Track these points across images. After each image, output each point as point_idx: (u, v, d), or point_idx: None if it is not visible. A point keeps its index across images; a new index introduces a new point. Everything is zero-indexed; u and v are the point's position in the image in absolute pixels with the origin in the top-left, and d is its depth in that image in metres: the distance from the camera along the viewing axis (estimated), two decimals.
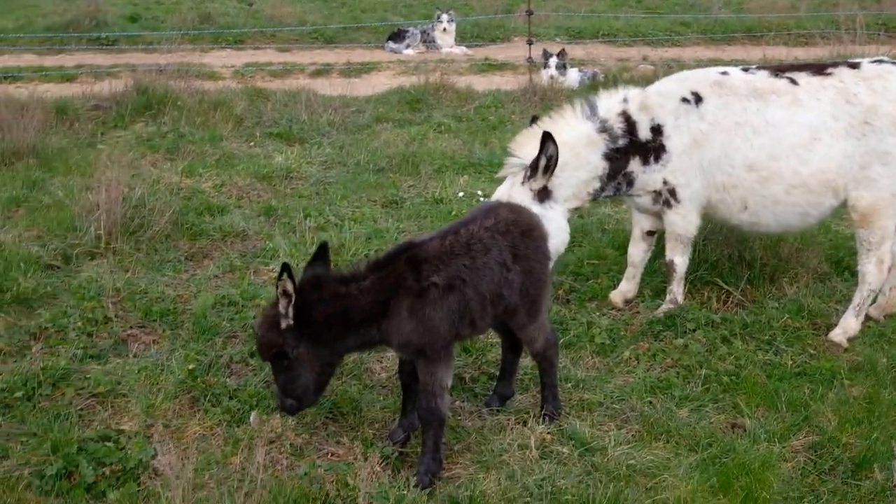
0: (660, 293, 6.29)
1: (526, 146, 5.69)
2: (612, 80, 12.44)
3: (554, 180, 5.64)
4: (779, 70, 5.85)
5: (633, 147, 5.78)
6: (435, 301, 4.20)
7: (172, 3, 21.56)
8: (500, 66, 15.93)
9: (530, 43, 14.95)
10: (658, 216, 6.03)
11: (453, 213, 7.71)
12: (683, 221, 5.88)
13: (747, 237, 6.47)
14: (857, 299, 5.87)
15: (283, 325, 4.21)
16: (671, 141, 5.73)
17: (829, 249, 7.03)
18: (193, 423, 4.72)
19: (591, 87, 12.57)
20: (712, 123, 5.68)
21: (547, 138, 5.47)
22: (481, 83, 14.17)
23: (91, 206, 7.00)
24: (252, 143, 10.24)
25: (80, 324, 5.66)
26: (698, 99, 5.73)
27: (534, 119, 5.99)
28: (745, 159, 5.65)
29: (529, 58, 14.77)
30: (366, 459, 4.18)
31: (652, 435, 4.73)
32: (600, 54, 16.80)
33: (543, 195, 5.64)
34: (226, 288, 6.29)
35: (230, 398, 4.91)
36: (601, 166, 5.76)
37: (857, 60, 5.84)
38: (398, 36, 17.70)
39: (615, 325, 5.93)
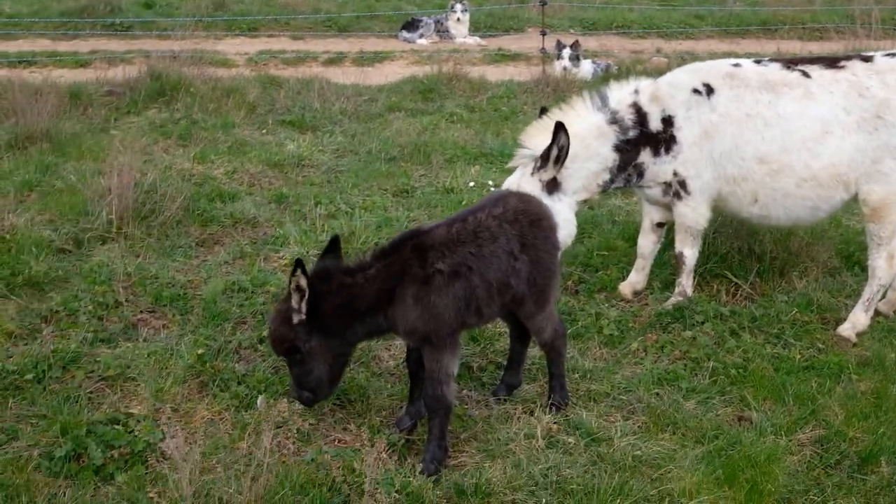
0: (669, 285, 6.29)
1: (536, 137, 5.69)
2: (625, 73, 12.42)
3: (563, 172, 5.64)
4: (791, 63, 5.84)
5: (644, 138, 5.77)
6: (440, 288, 4.21)
7: None
8: (513, 57, 15.90)
9: (543, 34, 14.94)
10: (668, 208, 6.03)
11: (464, 202, 7.71)
12: (693, 213, 5.87)
13: (757, 230, 6.47)
14: (866, 294, 5.86)
15: (296, 319, 4.26)
16: (682, 132, 5.73)
17: (840, 244, 7.02)
18: (202, 408, 4.74)
19: (604, 79, 12.53)
20: (723, 115, 5.67)
21: (560, 128, 5.47)
22: (494, 74, 14.15)
23: (103, 191, 7.03)
24: (264, 131, 10.26)
25: (90, 308, 5.70)
26: (710, 90, 5.72)
27: (543, 110, 5.99)
28: (755, 152, 5.64)
29: (543, 49, 14.75)
30: (372, 445, 4.19)
31: (658, 426, 4.74)
32: (614, 46, 16.79)
33: (553, 186, 5.65)
34: (236, 274, 6.32)
35: (238, 383, 4.94)
36: (611, 158, 5.76)
37: (870, 54, 5.82)
38: (412, 25, 17.67)
39: (624, 316, 5.94)
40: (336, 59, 15.34)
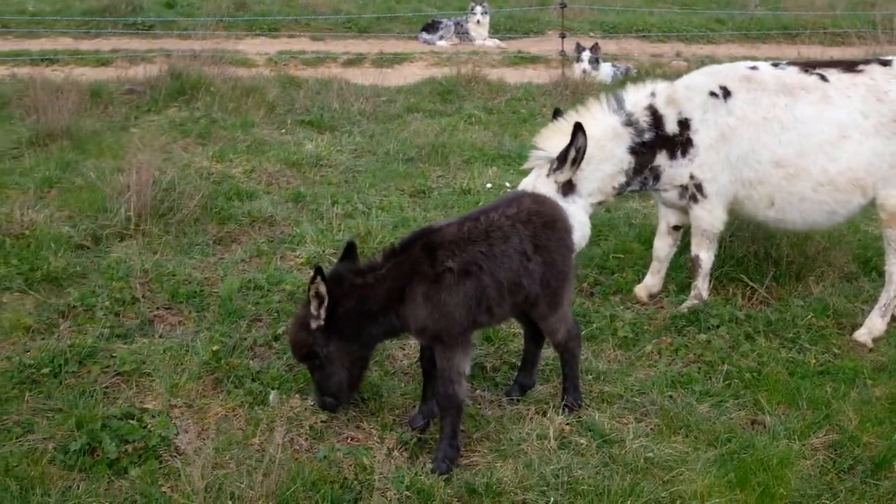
0: (685, 288, 6.28)
1: (551, 139, 5.70)
2: (644, 76, 12.41)
3: (578, 173, 5.64)
4: (809, 66, 5.82)
5: (660, 141, 5.76)
6: (450, 286, 4.23)
7: None
8: (532, 60, 15.89)
9: (563, 36, 14.92)
10: (684, 211, 6.02)
11: (480, 203, 7.69)
12: (710, 216, 5.86)
13: (774, 234, 6.44)
14: (883, 300, 5.83)
15: (314, 325, 4.32)
16: (698, 135, 5.72)
17: (857, 249, 6.98)
18: (216, 404, 4.77)
19: (623, 83, 12.50)
20: (740, 118, 5.66)
21: (578, 130, 5.47)
22: (513, 76, 14.15)
23: (122, 188, 7.08)
24: (283, 131, 10.30)
25: (107, 303, 5.74)
26: (727, 93, 5.71)
27: (556, 112, 5.99)
28: (772, 155, 5.62)
29: (562, 51, 14.74)
30: (382, 442, 4.20)
31: (671, 429, 4.73)
32: (634, 50, 16.76)
33: (567, 188, 5.65)
34: (252, 272, 6.35)
35: (253, 380, 4.97)
36: (626, 160, 5.75)
37: (888, 58, 5.79)
38: (432, 27, 17.68)
39: (638, 318, 5.93)
40: (355, 60, 15.37)
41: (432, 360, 4.44)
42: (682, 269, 6.49)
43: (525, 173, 5.95)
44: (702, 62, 13.37)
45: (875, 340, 5.75)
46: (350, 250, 4.48)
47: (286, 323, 5.55)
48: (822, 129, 5.57)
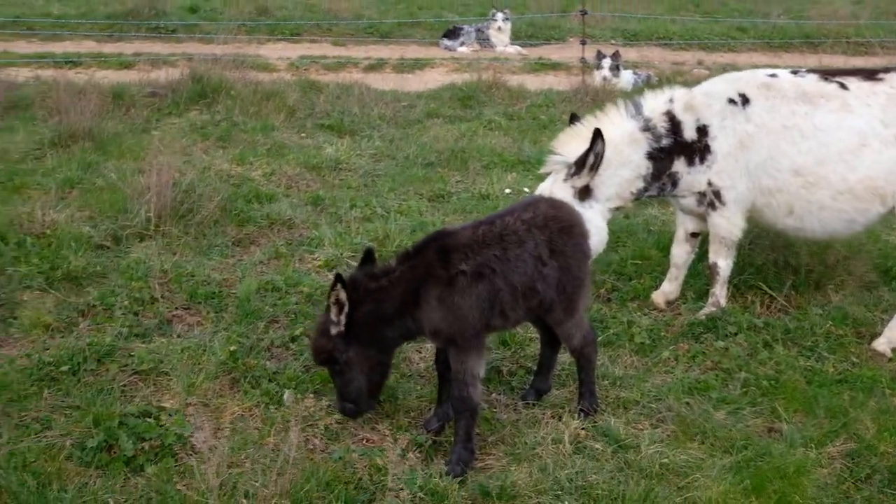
0: (703, 295, 6.25)
1: (569, 144, 5.70)
2: (665, 84, 12.37)
3: (596, 178, 5.64)
4: (829, 74, 5.79)
5: (678, 147, 5.75)
6: (463, 289, 4.24)
7: None
8: (553, 66, 15.89)
9: (583, 43, 14.92)
10: (702, 218, 6.00)
11: (499, 209, 7.70)
12: (728, 224, 5.84)
13: (794, 243, 6.41)
14: None
15: (334, 331, 4.35)
16: (717, 142, 5.70)
17: (877, 258, 6.93)
18: (232, 404, 4.80)
19: (643, 90, 12.51)
20: (759, 126, 5.64)
21: (597, 135, 5.47)
22: (534, 82, 14.15)
23: (142, 189, 7.13)
24: (303, 134, 10.34)
25: (127, 303, 5.78)
26: (745, 100, 5.70)
27: (573, 117, 6.00)
28: (791, 163, 5.60)
29: (583, 58, 14.73)
30: (395, 442, 4.21)
31: (687, 435, 4.71)
32: (655, 57, 16.74)
33: (584, 193, 5.64)
34: (270, 274, 6.38)
35: (269, 380, 4.99)
36: (644, 165, 5.75)
37: None
38: (453, 33, 17.70)
39: (656, 325, 5.92)
40: (376, 66, 15.42)
41: (447, 363, 4.44)
42: (700, 276, 6.47)
43: (543, 178, 5.95)
44: (723, 70, 13.26)
45: (894, 350, 5.71)
46: (368, 257, 4.51)
47: (303, 324, 5.60)
48: (842, 138, 5.55)
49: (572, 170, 5.62)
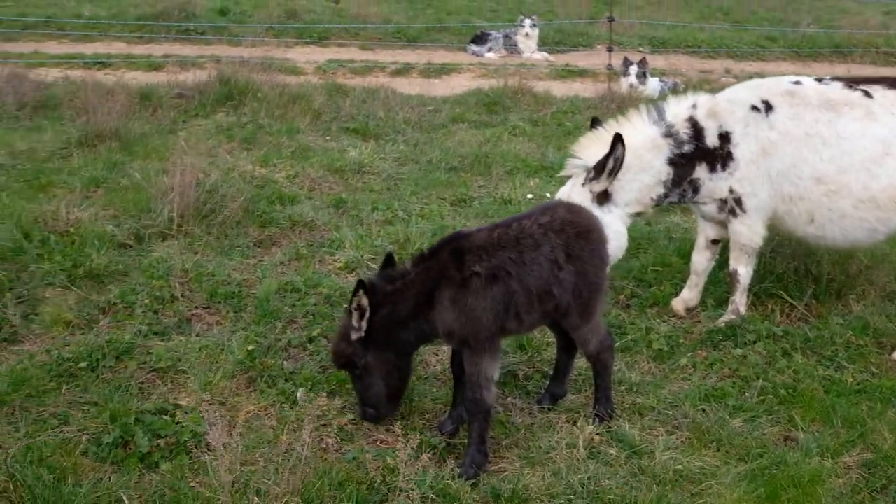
0: (722, 303, 6.23)
1: (589, 148, 5.69)
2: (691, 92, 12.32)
3: (615, 183, 5.63)
4: (853, 82, 5.76)
5: (700, 153, 5.73)
6: (477, 291, 4.24)
7: None
8: (580, 73, 15.86)
9: (610, 50, 14.90)
10: (723, 225, 5.97)
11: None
12: (749, 231, 5.82)
13: (815, 251, 6.37)
14: None
15: (354, 336, 4.39)
16: (739, 149, 5.68)
17: None
18: (248, 402, 4.83)
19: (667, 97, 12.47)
20: (782, 133, 5.62)
21: (617, 140, 5.46)
22: (560, 89, 14.14)
23: (166, 189, 7.17)
24: (328, 137, 10.37)
25: (147, 301, 5.84)
26: (769, 108, 5.67)
27: (595, 121, 5.99)
28: (813, 171, 5.57)
29: (609, 65, 14.71)
30: (407, 442, 4.21)
31: (702, 442, 4.69)
32: (682, 65, 16.69)
33: (603, 198, 5.63)
34: (290, 275, 6.41)
35: (286, 380, 5.02)
36: (665, 171, 5.73)
37: None
38: (481, 39, 17.70)
39: (674, 332, 5.90)
40: (403, 70, 15.45)
41: (462, 366, 4.45)
42: (720, 283, 6.44)
43: (565, 182, 5.94)
44: (750, 79, 13.28)
45: None
46: (388, 261, 4.53)
47: (321, 325, 5.62)
48: (865, 146, 5.51)
49: (591, 174, 5.61)
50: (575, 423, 4.75)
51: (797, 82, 5.81)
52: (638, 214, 5.91)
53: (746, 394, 5.19)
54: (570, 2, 22.77)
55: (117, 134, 9.37)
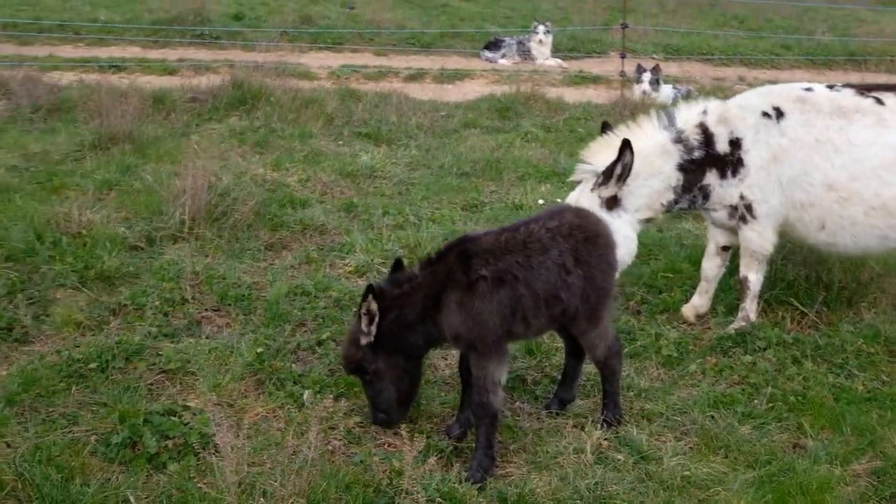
0: (733, 310, 6.21)
1: (599, 153, 5.69)
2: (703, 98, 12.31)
3: (625, 189, 5.62)
4: (865, 89, 5.75)
5: (710, 159, 5.72)
6: (484, 294, 4.25)
7: (277, 4, 21.90)
8: (593, 80, 15.83)
9: (623, 56, 14.89)
10: (733, 231, 5.96)
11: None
12: (759, 238, 5.80)
13: (826, 259, 6.35)
14: None
15: (364, 341, 4.40)
16: (749, 155, 5.67)
17: None
18: (257, 404, 4.85)
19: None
20: (793, 140, 5.60)
21: (626, 146, 5.46)
22: (573, 95, 14.12)
23: (178, 192, 7.20)
24: (340, 142, 10.39)
25: (157, 303, 5.86)
26: (780, 114, 5.66)
27: (605, 126, 5.99)
28: (824, 178, 5.56)
29: (622, 72, 14.70)
30: (413, 445, 4.22)
31: (710, 448, 4.68)
32: (696, 72, 16.65)
33: (612, 203, 5.63)
34: (300, 278, 6.43)
35: (294, 383, 5.04)
36: (675, 177, 5.72)
37: None
38: (494, 45, 17.70)
39: (684, 338, 5.88)
40: (416, 76, 15.46)
41: (470, 369, 4.45)
42: (730, 290, 6.43)
43: (572, 187, 5.94)
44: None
45: None
46: (397, 266, 4.54)
47: (330, 328, 5.63)
48: (877, 153, 5.50)
49: (600, 179, 5.61)
50: (583, 429, 4.76)
51: (808, 89, 5.80)
52: (649, 220, 5.90)
53: (755, 401, 5.17)
54: (585, 9, 22.74)
55: (130, 137, 9.40)
